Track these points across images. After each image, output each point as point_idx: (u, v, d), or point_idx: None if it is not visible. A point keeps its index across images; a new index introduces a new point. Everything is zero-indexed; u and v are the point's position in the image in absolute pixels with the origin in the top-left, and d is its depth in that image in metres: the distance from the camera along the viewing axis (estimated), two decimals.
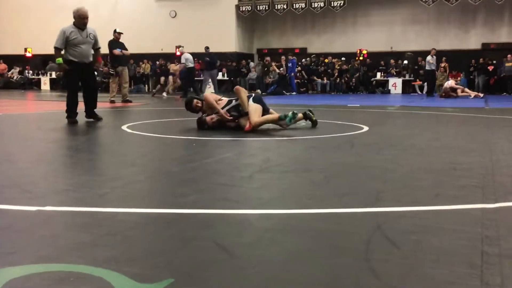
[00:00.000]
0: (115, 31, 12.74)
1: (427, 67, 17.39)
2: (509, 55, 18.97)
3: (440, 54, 20.11)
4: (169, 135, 6.09)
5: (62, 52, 7.06)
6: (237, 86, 6.44)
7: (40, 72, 25.44)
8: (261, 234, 2.18)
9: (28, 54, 25.30)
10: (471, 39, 20.81)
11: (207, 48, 17.34)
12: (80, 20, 7.08)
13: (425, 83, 18.39)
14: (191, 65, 16.81)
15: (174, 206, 2.62)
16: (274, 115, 6.07)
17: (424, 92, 18.61)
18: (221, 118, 6.10)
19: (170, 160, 4.25)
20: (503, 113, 9.45)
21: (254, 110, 5.95)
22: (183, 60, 17.02)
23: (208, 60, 17.05)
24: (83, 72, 7.14)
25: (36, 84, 25.21)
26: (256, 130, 5.95)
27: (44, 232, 2.18)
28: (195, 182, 3.23)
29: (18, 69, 25.52)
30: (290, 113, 5.79)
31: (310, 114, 6.54)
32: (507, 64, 18.97)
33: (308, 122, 6.59)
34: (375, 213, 2.48)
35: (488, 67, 19.69)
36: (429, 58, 17.35)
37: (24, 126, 7.41)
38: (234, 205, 2.66)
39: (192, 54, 22.08)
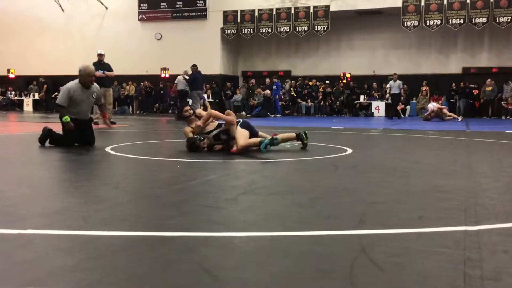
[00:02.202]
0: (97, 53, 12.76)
1: (392, 91, 18.02)
2: (488, 80, 19.40)
3: (421, 78, 20.51)
4: (153, 157, 6.07)
5: (57, 101, 6.83)
6: (228, 111, 6.58)
7: (23, 93, 25.26)
8: (246, 257, 2.17)
9: (11, 75, 25.12)
10: (452, 64, 21.27)
11: (194, 66, 16.86)
12: (88, 78, 6.90)
13: (393, 105, 18.76)
14: (181, 87, 16.91)
15: (158, 229, 2.60)
16: (256, 139, 6.08)
17: (405, 115, 19.03)
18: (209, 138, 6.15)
19: (154, 182, 4.23)
20: (483, 136, 9.62)
21: (241, 135, 6.02)
22: (176, 81, 17.23)
23: (193, 78, 16.54)
24: (83, 127, 6.93)
25: (19, 105, 24.99)
26: (242, 152, 5.98)
27: (25, 255, 2.14)
28: (179, 205, 3.21)
29: None
30: (266, 139, 5.78)
31: (303, 136, 6.59)
32: (487, 89, 19.37)
33: (294, 143, 6.67)
34: (359, 236, 2.49)
35: (473, 91, 20.07)
36: (391, 83, 17.91)
37: (6, 148, 7.32)
38: (219, 228, 2.65)
39: (177, 76, 22.21)
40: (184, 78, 16.78)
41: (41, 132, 6.96)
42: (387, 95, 18.49)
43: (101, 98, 7.28)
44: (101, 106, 7.46)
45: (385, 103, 20.07)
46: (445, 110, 17.05)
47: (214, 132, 6.24)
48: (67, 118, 6.72)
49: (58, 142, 6.89)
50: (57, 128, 7.10)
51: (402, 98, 18.69)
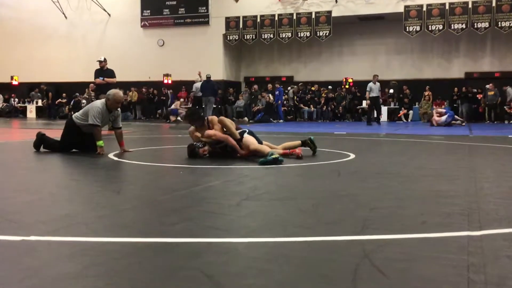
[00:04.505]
0: None
1: (371, 94, 16.74)
2: (490, 84, 19.37)
3: (423, 83, 20.49)
4: (156, 163, 6.08)
5: (89, 122, 6.66)
6: (221, 117, 6.48)
7: (26, 100, 25.35)
8: (249, 263, 2.17)
9: (15, 82, 25.22)
10: (454, 68, 21.26)
11: (207, 76, 17.87)
12: (115, 104, 6.83)
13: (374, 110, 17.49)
14: (200, 94, 17.72)
15: (161, 235, 2.60)
16: (267, 148, 5.95)
17: (377, 121, 17.58)
18: (232, 144, 6.08)
19: (157, 189, 4.24)
20: (486, 141, 9.60)
21: (252, 141, 6.06)
22: (193, 89, 18.08)
23: (205, 86, 17.47)
24: (87, 137, 6.83)
25: (22, 112, 25.08)
26: (245, 158, 5.99)
27: (28, 262, 2.15)
28: (182, 211, 3.21)
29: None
30: (270, 157, 5.56)
31: (309, 142, 6.55)
32: (489, 93, 19.34)
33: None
34: (362, 241, 2.48)
35: (478, 96, 20.00)
36: (371, 84, 16.75)
37: (9, 154, 7.34)
38: (222, 234, 2.65)
39: (180, 82, 22.29)
40: (203, 87, 17.75)
41: (35, 138, 7.01)
42: (368, 98, 16.93)
43: (119, 121, 7.08)
44: (118, 131, 6.99)
45: (365, 108, 18.79)
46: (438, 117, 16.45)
47: (221, 144, 6.21)
48: (101, 143, 6.65)
49: (53, 147, 6.91)
50: (53, 134, 7.10)
51: (381, 101, 17.78)
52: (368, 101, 17.06)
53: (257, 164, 5.52)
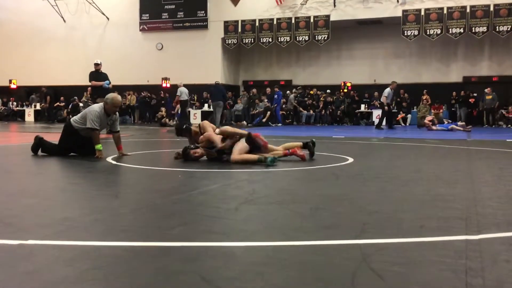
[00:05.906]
0: None
1: (387, 100, 16.64)
2: (488, 88, 19.41)
3: (422, 87, 20.51)
4: (154, 166, 6.07)
5: (88, 125, 6.66)
6: (222, 128, 6.49)
7: (24, 103, 25.34)
8: (247, 267, 2.17)
9: (13, 86, 25.21)
10: (452, 72, 21.30)
11: (216, 82, 19.00)
12: (113, 108, 6.82)
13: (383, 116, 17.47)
14: (185, 98, 18.62)
15: (159, 239, 2.60)
16: (253, 156, 5.93)
17: (386, 125, 17.52)
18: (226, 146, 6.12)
19: (155, 192, 4.23)
20: (484, 145, 9.61)
21: (239, 150, 5.99)
22: (178, 93, 18.77)
23: (214, 91, 18.33)
24: (85, 142, 6.82)
25: (21, 116, 25.06)
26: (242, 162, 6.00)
27: (26, 266, 2.14)
28: (181, 215, 3.21)
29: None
30: (269, 158, 5.70)
31: (310, 145, 6.53)
32: (487, 97, 19.38)
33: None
34: (361, 245, 2.48)
35: (470, 100, 20.06)
36: (388, 90, 16.62)
37: (7, 158, 7.33)
38: (220, 238, 2.64)
39: (177, 86, 22.40)
40: (210, 91, 18.98)
41: (33, 141, 6.99)
42: (385, 104, 16.80)
43: (117, 125, 7.05)
44: (116, 135, 6.99)
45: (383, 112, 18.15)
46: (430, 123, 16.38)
47: (217, 148, 6.21)
48: (100, 146, 6.63)
49: (51, 151, 6.90)
50: (51, 137, 7.08)
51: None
52: (386, 107, 16.89)
53: (257, 168, 5.53)
